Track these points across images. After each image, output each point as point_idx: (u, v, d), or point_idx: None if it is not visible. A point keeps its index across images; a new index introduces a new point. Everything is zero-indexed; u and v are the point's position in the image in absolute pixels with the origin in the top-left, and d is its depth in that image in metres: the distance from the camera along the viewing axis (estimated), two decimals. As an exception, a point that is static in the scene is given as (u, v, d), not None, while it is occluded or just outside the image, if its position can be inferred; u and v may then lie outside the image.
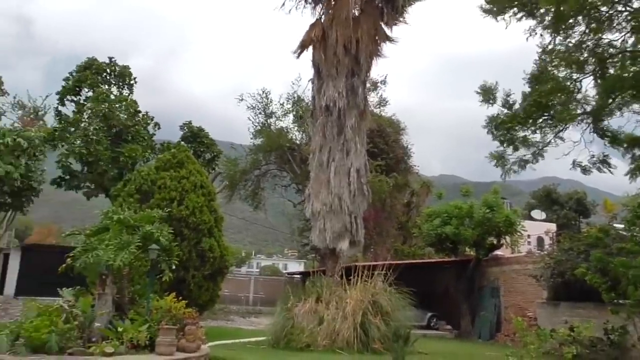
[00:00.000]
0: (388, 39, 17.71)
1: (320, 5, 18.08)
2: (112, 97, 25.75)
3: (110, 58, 26.95)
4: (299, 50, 17.34)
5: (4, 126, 26.55)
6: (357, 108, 16.76)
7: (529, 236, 27.31)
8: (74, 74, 25.91)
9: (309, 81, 18.25)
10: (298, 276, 35.91)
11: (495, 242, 22.50)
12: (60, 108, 25.66)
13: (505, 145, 17.71)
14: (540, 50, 16.40)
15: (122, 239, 10.54)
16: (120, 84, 26.79)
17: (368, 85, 21.03)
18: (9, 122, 28.36)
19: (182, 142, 27.64)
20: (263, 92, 33.79)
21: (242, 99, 33.45)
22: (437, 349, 14.77)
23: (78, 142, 24.23)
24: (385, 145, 33.08)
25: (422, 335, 15.75)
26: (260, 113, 33.77)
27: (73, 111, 25.55)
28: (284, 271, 58.83)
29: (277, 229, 63.28)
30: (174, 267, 11.49)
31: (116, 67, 26.75)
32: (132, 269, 11.63)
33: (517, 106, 17.28)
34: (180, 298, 12.27)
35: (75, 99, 25.79)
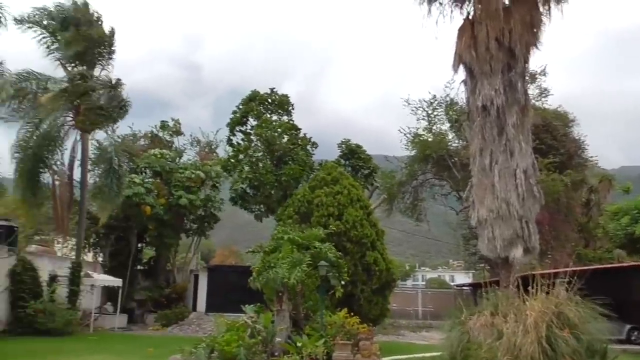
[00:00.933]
0: (545, 19, 16.20)
1: (467, 2, 17.21)
2: (274, 124, 27.61)
3: (271, 89, 29.12)
4: (456, 63, 16.60)
5: (185, 162, 30.14)
6: (517, 104, 15.52)
7: None
8: (240, 106, 28.40)
9: (460, 83, 17.46)
10: (468, 288, 34.34)
11: None
12: (231, 138, 28.30)
13: None
14: None
15: (293, 257, 11.07)
16: (281, 111, 28.67)
17: (527, 77, 19.42)
18: (188, 158, 32.17)
19: (341, 160, 28.40)
20: (431, 94, 32.96)
21: (408, 103, 32.89)
22: (643, 367, 12.81)
23: (246, 168, 26.39)
24: (554, 140, 30.27)
25: (622, 350, 13.78)
26: (422, 118, 33.00)
27: (242, 140, 27.98)
28: (452, 283, 56.81)
29: (440, 240, 61.45)
30: (343, 282, 11.74)
31: (276, 96, 28.75)
32: (304, 286, 12.13)
33: None
34: (352, 313, 12.45)
35: (242, 129, 28.25)
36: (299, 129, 28.27)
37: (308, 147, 28.15)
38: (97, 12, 21.29)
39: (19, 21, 19.79)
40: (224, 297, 23.73)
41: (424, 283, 62.59)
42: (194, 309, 26.50)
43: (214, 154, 34.23)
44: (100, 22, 21.25)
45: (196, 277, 27.83)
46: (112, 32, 21.55)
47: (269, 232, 19.33)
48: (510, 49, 15.67)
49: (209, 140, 35.41)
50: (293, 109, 28.77)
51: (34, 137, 19.09)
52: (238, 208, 28.83)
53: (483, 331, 12.95)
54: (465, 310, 13.77)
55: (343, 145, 29.83)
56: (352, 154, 29.38)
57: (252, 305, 11.99)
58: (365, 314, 15.72)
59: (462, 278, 62.58)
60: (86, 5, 21.05)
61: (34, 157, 19.13)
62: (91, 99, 20.78)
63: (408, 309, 32.83)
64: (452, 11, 17.18)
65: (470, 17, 16.74)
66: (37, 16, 20.39)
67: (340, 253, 12.56)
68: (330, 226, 14.99)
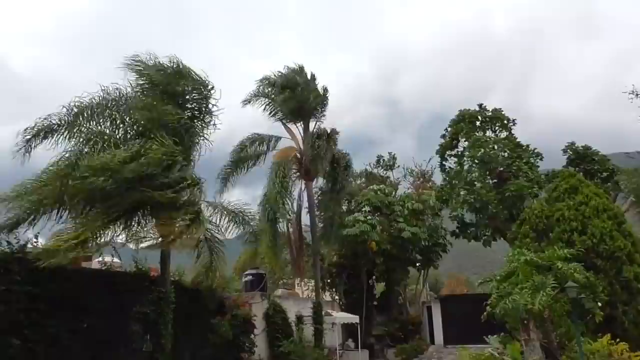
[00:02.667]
0: None
1: None
2: (488, 140, 26.39)
3: (479, 105, 28.04)
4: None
5: (402, 194, 30.50)
6: None
7: None
8: (449, 128, 27.90)
9: None
10: None
11: None
12: (444, 164, 27.89)
13: None
14: None
15: (534, 281, 10.02)
16: (495, 127, 27.40)
17: None
18: (404, 190, 32.55)
19: (569, 167, 25.51)
20: None
21: (637, 95, 28.49)
22: None
23: (464, 192, 25.48)
24: None
25: None
26: None
27: (455, 163, 27.32)
28: None
29: None
30: (600, 304, 10.18)
31: (486, 112, 27.60)
32: (551, 311, 10.89)
33: None
34: (616, 339, 10.73)
35: (453, 153, 27.63)
36: (521, 146, 26.35)
37: (531, 159, 25.99)
38: (311, 73, 23.37)
39: (248, 101, 23.02)
40: (461, 328, 22.83)
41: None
42: (432, 341, 26.06)
43: (430, 183, 34.03)
44: (315, 81, 23.23)
45: (429, 309, 27.47)
46: (325, 90, 23.36)
47: (497, 255, 18.12)
48: None
49: (422, 170, 35.44)
50: (514, 124, 27.29)
51: (271, 191, 21.29)
52: (460, 236, 27.92)
53: None
54: None
55: (569, 150, 26.75)
56: (581, 157, 26.11)
57: (495, 336, 11.16)
58: (635, 339, 13.31)
59: None
60: (302, 68, 23.31)
61: (273, 208, 21.37)
62: (319, 153, 22.70)
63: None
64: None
65: None
66: (261, 87, 23.34)
67: (590, 272, 10.97)
68: (576, 245, 13.23)
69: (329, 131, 23.36)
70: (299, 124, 23.46)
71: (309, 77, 23.29)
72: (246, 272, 22.48)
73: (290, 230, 24.90)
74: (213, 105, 13.73)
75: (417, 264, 29.90)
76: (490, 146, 25.76)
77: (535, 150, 26.40)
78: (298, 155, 23.02)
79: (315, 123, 23.43)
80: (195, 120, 13.74)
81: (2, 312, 10.00)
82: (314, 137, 22.95)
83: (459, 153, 27.23)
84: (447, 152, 27.67)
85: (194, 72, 13.32)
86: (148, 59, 13.10)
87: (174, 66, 13.08)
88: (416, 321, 27.79)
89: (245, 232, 15.43)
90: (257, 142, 23.01)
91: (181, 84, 13.30)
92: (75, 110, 12.08)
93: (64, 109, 11.92)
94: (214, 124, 13.92)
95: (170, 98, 13.08)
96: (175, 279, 15.01)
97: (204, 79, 13.41)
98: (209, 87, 13.50)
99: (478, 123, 27.43)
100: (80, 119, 12.27)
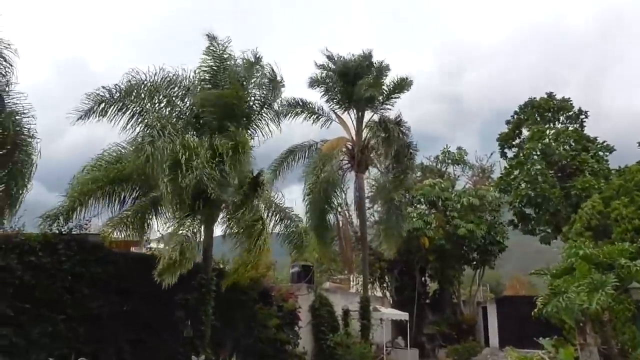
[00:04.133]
0: None
1: None
2: (551, 132, 25.00)
3: (548, 94, 26.66)
4: None
5: (459, 190, 29.31)
6: None
7: None
8: (514, 116, 26.81)
9: None
10: None
11: None
12: (505, 151, 26.78)
13: None
14: None
15: (593, 279, 9.10)
16: (562, 118, 26.02)
17: None
18: (462, 185, 31.30)
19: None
20: None
21: None
22: None
23: (523, 185, 24.13)
24: None
25: None
26: None
27: (514, 156, 26.13)
28: None
29: None
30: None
31: (554, 102, 26.24)
32: (613, 314, 9.91)
33: None
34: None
35: (514, 143, 26.48)
36: (588, 139, 24.62)
37: (600, 152, 24.21)
38: (383, 61, 21.91)
39: (311, 84, 21.86)
40: (518, 331, 21.64)
41: None
42: (487, 343, 24.92)
43: (489, 179, 32.56)
44: (387, 70, 21.74)
45: (484, 310, 26.28)
46: (407, 80, 21.81)
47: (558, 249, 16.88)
48: None
49: (482, 165, 33.99)
50: (586, 116, 25.69)
51: (319, 182, 20.67)
52: (527, 235, 26.55)
53: None
54: None
55: None
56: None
57: (548, 339, 10.27)
58: None
59: None
60: (370, 55, 21.74)
61: (320, 200, 20.89)
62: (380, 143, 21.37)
63: None
64: None
65: None
66: (320, 75, 21.92)
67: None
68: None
69: (393, 119, 21.44)
70: (353, 113, 22.49)
71: (380, 65, 21.79)
72: (293, 264, 22.30)
73: (342, 223, 24.50)
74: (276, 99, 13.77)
75: (473, 263, 28.67)
76: (552, 138, 24.28)
77: (605, 144, 24.55)
78: (349, 146, 22.36)
79: (373, 114, 22.27)
80: (257, 114, 13.68)
81: (46, 287, 10.52)
82: (378, 127, 20.86)
83: (520, 144, 25.96)
84: (509, 142, 26.51)
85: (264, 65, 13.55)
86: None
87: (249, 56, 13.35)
88: (470, 322, 26.65)
89: (289, 231, 15.07)
90: (305, 113, 21.69)
91: (253, 74, 13.40)
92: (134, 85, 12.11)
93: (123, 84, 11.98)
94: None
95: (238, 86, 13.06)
96: (218, 267, 15.01)
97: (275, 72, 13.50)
98: (279, 81, 13.55)
99: (547, 115, 26.04)
100: (143, 95, 12.30)
